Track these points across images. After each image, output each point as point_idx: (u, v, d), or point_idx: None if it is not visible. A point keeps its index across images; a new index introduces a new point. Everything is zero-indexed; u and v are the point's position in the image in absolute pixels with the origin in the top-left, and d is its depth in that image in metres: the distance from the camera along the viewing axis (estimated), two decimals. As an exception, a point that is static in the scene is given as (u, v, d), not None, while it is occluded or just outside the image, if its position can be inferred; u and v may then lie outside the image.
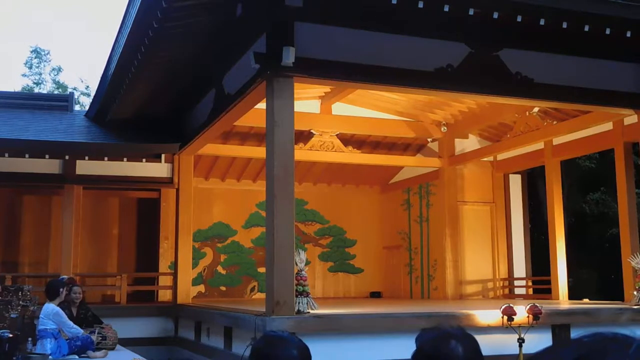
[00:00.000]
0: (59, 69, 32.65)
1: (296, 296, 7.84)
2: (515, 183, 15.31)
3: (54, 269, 13.31)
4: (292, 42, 8.04)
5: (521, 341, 8.12)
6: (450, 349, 1.82)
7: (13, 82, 46.63)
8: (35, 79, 31.93)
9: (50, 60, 32.67)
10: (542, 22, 8.58)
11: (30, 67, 32.09)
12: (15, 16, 46.77)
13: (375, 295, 16.32)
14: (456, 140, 14.59)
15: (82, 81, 44.00)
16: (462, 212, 14.72)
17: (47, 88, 31.63)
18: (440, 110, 13.74)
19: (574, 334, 8.80)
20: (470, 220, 14.74)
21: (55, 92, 30.87)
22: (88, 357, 7.89)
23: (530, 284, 14.64)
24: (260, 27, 8.63)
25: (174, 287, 12.82)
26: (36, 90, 31.06)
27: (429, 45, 8.92)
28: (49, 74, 32.25)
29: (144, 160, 12.89)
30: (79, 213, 12.85)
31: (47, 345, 7.70)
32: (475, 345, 1.87)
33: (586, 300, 12.73)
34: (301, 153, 12.38)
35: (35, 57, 32.13)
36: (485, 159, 14.77)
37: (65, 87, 31.75)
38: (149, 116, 12.70)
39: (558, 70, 9.51)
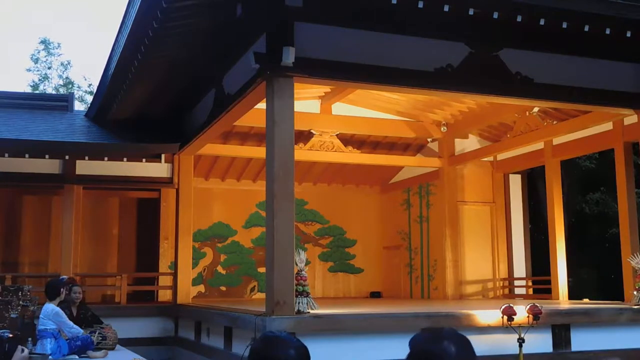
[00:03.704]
0: (68, 63, 31.92)
1: (296, 296, 7.84)
2: (515, 183, 15.31)
3: (54, 269, 13.31)
4: (292, 42, 8.04)
5: (521, 341, 8.12)
6: (443, 348, 1.82)
7: (13, 82, 46.68)
8: (41, 75, 31.09)
9: (60, 54, 31.99)
10: (542, 22, 8.58)
11: (37, 62, 31.39)
12: (15, 16, 46.82)
13: (375, 295, 16.32)
14: (456, 140, 14.59)
15: (85, 79, 43.84)
16: (462, 212, 14.72)
17: (52, 84, 31.18)
18: (440, 110, 13.74)
19: (574, 333, 8.83)
20: (470, 220, 14.74)
21: (62, 88, 30.58)
22: (88, 357, 7.89)
23: (530, 284, 14.64)
24: (260, 27, 8.63)
25: (174, 287, 12.81)
26: (41, 87, 30.72)
27: (429, 45, 8.92)
28: (56, 70, 31.65)
29: (144, 160, 12.88)
30: (79, 213, 12.85)
31: (47, 345, 7.70)
32: (468, 345, 1.88)
33: (586, 300, 12.73)
34: (301, 153, 12.38)
35: (44, 49, 31.31)
36: (485, 159, 14.77)
37: (73, 84, 31.33)
38: (149, 116, 12.70)
39: (558, 70, 9.51)
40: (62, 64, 31.75)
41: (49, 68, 31.44)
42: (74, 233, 12.56)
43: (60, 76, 31.62)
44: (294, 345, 2.01)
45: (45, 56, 31.45)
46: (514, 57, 9.29)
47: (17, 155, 12.04)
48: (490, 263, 14.78)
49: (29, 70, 31.77)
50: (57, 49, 31.78)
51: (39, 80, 31.14)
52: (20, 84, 42.36)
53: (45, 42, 31.47)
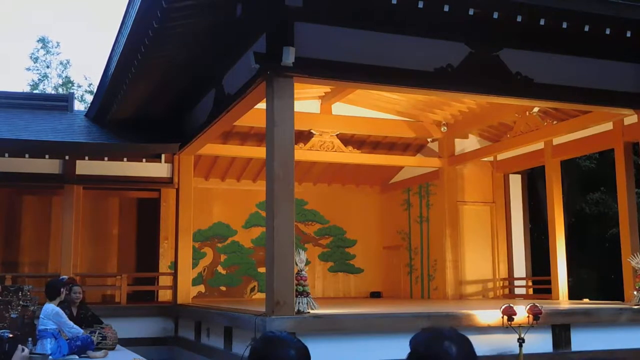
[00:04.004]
0: (67, 62, 31.69)
1: (296, 296, 7.84)
2: (515, 183, 15.31)
3: (54, 269, 13.31)
4: (292, 42, 8.03)
5: (521, 341, 8.12)
6: (444, 349, 1.82)
7: (13, 82, 46.65)
8: (40, 74, 30.81)
9: (59, 53, 31.76)
10: (542, 22, 8.58)
11: (36, 61, 31.08)
12: (15, 16, 46.82)
13: (375, 295, 16.31)
14: (456, 140, 14.59)
15: (85, 78, 43.70)
16: (462, 212, 14.71)
17: (52, 84, 31.02)
18: (440, 110, 13.74)
19: (574, 333, 8.83)
20: (470, 220, 14.74)
21: (61, 87, 30.46)
22: (88, 357, 7.89)
23: (530, 284, 14.63)
24: (260, 27, 8.63)
25: (174, 287, 12.82)
26: (40, 86, 30.59)
27: (429, 45, 8.92)
28: (56, 69, 31.43)
29: (144, 160, 12.88)
30: (79, 213, 12.85)
31: (47, 345, 7.70)
32: (468, 345, 1.88)
33: (586, 300, 12.72)
34: (301, 153, 12.37)
35: (42, 48, 31.03)
36: (485, 159, 14.77)
37: (73, 83, 31.15)
38: (149, 116, 12.70)
39: (558, 70, 9.51)
40: (61, 62, 31.64)
41: (48, 67, 31.31)
42: (74, 233, 12.56)
43: (59, 75, 31.50)
44: (294, 346, 2.01)
45: (44, 55, 31.31)
46: (514, 57, 9.29)
47: (17, 155, 12.04)
48: (490, 263, 14.78)
49: (28, 69, 31.64)
50: (55, 47, 31.66)
51: (39, 80, 31.01)
52: (20, 84, 42.29)
53: (43, 41, 31.29)
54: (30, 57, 31.24)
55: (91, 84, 30.92)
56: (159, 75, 10.61)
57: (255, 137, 13.47)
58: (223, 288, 15.55)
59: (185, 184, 12.91)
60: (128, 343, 10.05)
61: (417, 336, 1.92)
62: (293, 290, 7.79)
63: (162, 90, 11.44)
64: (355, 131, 13.96)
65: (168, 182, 13.21)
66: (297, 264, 7.96)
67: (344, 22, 8.47)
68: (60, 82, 31.24)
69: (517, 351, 8.14)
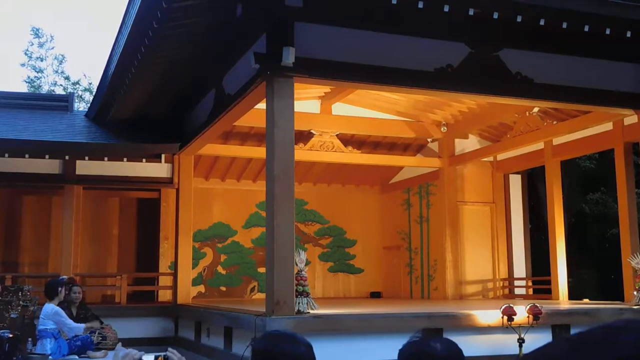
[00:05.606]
0: (63, 58, 31.34)
1: (296, 296, 7.84)
2: (515, 183, 15.31)
3: (54, 269, 13.31)
4: (292, 42, 8.04)
5: (521, 341, 8.12)
6: (429, 346, 1.86)
7: (13, 82, 46.63)
8: (35, 68, 30.49)
9: (53, 47, 31.44)
10: (542, 22, 8.58)
11: (30, 57, 30.82)
12: (15, 16, 46.82)
13: (375, 295, 16.32)
14: (456, 140, 14.60)
15: (85, 76, 43.56)
16: (462, 212, 14.72)
17: (48, 81, 30.87)
18: (440, 110, 13.74)
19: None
20: (470, 220, 14.74)
21: (59, 87, 30.36)
22: (88, 357, 7.90)
23: (530, 284, 14.64)
24: (260, 27, 8.63)
25: (174, 287, 12.82)
26: (36, 83, 30.41)
27: (429, 45, 8.92)
28: (51, 65, 31.08)
29: (144, 160, 12.88)
30: (79, 213, 12.85)
31: (47, 345, 7.71)
32: (454, 345, 1.91)
33: (586, 300, 12.72)
34: (301, 153, 12.37)
35: (35, 38, 30.60)
36: (485, 159, 14.77)
37: (69, 80, 30.96)
38: (149, 116, 12.71)
39: (558, 70, 9.51)
40: (55, 57, 31.38)
41: (42, 60, 31.05)
42: (74, 233, 12.56)
43: (55, 71, 31.33)
44: (303, 343, 2.02)
45: (38, 49, 31.03)
46: (514, 57, 9.29)
47: (17, 155, 12.03)
48: (490, 263, 14.78)
49: (22, 65, 31.32)
50: (50, 42, 31.30)
51: (35, 77, 30.78)
52: (20, 84, 42.29)
53: (37, 33, 30.86)
54: (25, 52, 31.00)
55: (91, 82, 30.82)
56: (159, 75, 10.62)
57: (255, 137, 13.47)
58: (223, 288, 15.55)
59: (185, 184, 12.91)
60: (128, 343, 9.99)
61: (402, 346, 1.97)
62: (293, 290, 7.79)
63: (162, 90, 11.45)
64: (355, 131, 13.96)
65: (168, 182, 13.20)
66: (297, 264, 7.96)
67: (344, 22, 8.47)
68: (56, 79, 31.09)
69: (517, 351, 8.13)
